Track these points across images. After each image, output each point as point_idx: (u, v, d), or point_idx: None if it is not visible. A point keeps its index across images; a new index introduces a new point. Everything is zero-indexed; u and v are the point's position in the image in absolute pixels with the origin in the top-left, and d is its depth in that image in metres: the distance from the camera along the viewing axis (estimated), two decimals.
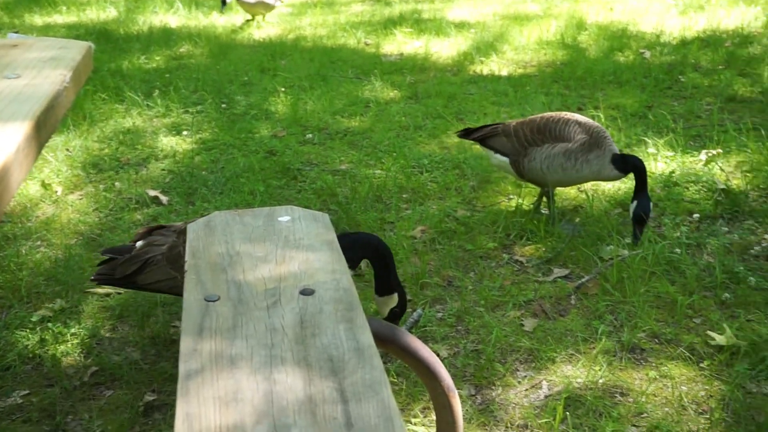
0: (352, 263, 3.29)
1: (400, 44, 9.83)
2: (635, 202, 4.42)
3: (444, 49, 9.52)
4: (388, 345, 2.37)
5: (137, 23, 10.95)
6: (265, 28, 10.82)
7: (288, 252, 2.43)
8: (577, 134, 4.55)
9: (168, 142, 6.38)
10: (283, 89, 7.71)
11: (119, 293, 4.19)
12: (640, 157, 4.64)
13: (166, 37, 10.11)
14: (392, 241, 4.56)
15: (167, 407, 3.36)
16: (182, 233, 3.44)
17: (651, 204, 4.40)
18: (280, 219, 2.67)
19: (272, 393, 1.76)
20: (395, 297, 3.34)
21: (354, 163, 5.93)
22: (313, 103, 7.35)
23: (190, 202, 5.33)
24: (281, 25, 11.09)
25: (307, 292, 2.18)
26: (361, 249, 3.29)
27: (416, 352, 2.35)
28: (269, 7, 10.64)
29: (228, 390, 1.77)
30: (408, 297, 3.68)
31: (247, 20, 10.99)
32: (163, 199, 5.32)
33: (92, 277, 3.56)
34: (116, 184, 5.61)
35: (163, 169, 5.88)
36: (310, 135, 6.56)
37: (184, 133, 6.58)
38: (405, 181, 5.53)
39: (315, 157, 6.07)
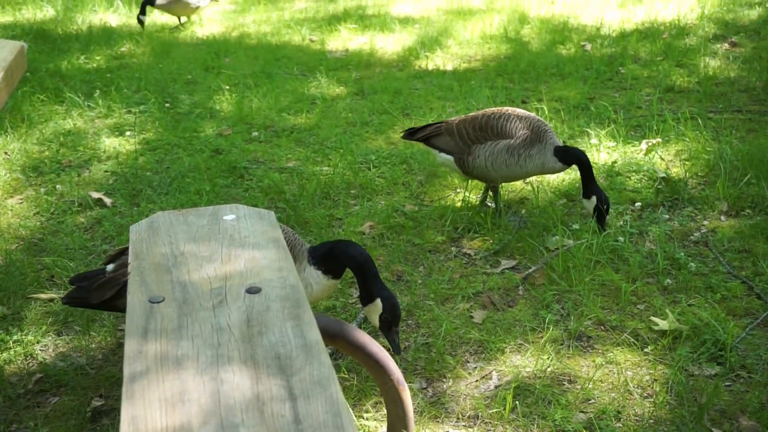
0: (335, 273, 3.21)
1: (345, 40, 9.81)
2: (593, 198, 4.50)
3: (389, 44, 9.53)
4: (337, 341, 2.37)
5: (76, 22, 10.72)
6: (208, 26, 10.70)
7: (233, 251, 2.41)
8: (518, 130, 4.60)
9: (111, 143, 6.27)
10: (227, 87, 7.64)
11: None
12: (582, 149, 4.72)
13: (106, 36, 9.92)
14: (341, 237, 4.55)
15: (115, 412, 3.31)
16: None
17: (604, 194, 4.51)
18: (225, 218, 2.65)
19: (219, 392, 1.75)
20: (378, 303, 3.08)
21: (301, 161, 5.91)
22: (259, 100, 7.30)
23: (135, 203, 5.25)
24: (224, 22, 10.97)
25: (253, 291, 2.17)
26: (342, 258, 3.16)
27: (365, 347, 2.36)
28: (189, 7, 10.27)
29: (174, 391, 1.75)
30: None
31: (182, 22, 10.78)
32: (107, 201, 5.23)
33: (64, 301, 3.36)
34: (57, 187, 5.49)
35: (106, 171, 5.78)
36: (256, 133, 6.51)
37: (128, 133, 6.48)
38: (353, 178, 5.53)
39: (261, 155, 6.04)
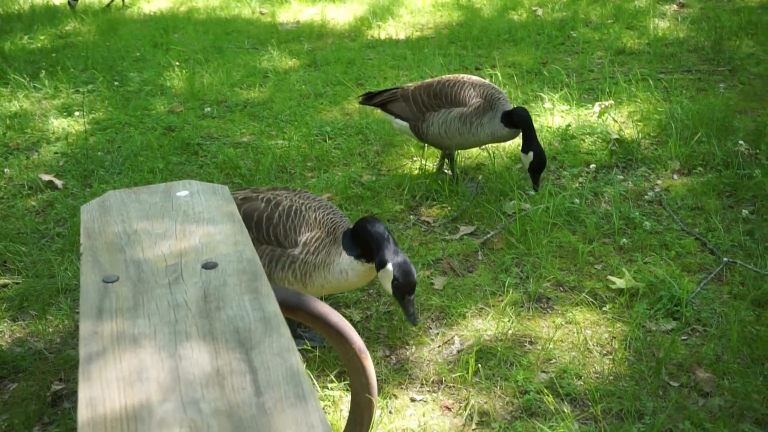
0: (370, 257, 3.14)
1: (296, 12, 9.70)
2: (530, 153, 4.48)
3: (341, 15, 9.44)
4: (297, 312, 2.36)
5: (17, 2, 10.42)
6: (155, 2, 10.48)
7: (188, 227, 2.38)
8: (472, 98, 4.60)
9: (59, 124, 6.14)
10: (177, 63, 7.50)
11: (17, 283, 4.03)
12: (536, 113, 4.73)
13: (50, 15, 9.67)
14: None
15: (76, 395, 3.26)
16: None
17: (542, 151, 4.48)
18: (178, 194, 2.60)
19: (178, 369, 1.73)
20: (389, 269, 3.02)
21: (256, 135, 5.84)
22: (210, 76, 7.19)
23: (87, 184, 5.15)
24: None
25: (209, 266, 2.14)
26: (362, 237, 3.13)
27: (325, 317, 2.35)
28: None
29: (132, 370, 1.73)
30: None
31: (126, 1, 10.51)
32: (58, 183, 5.13)
33: None
34: (6, 170, 5.36)
35: (56, 153, 5.66)
36: (209, 109, 6.42)
37: (76, 114, 6.34)
38: (308, 150, 5.49)
39: (215, 131, 5.96)
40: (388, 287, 3.08)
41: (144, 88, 6.94)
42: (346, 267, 3.19)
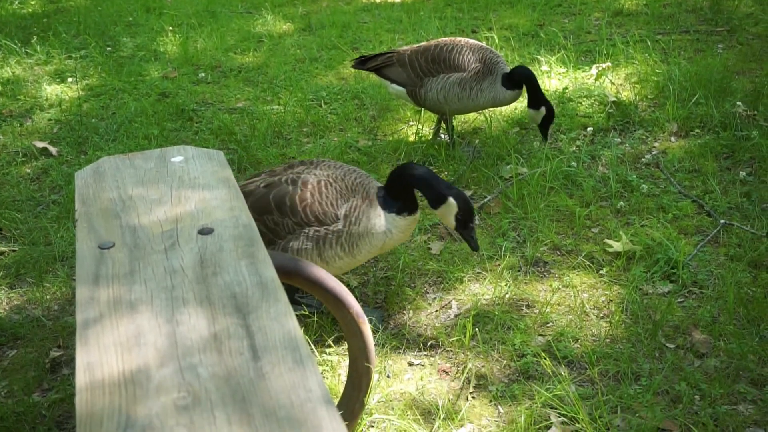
0: (410, 209, 3.18)
1: None
2: (542, 108, 4.54)
3: None
4: (293, 277, 2.35)
5: None
6: None
7: (183, 192, 2.36)
8: (471, 63, 4.56)
9: (52, 90, 6.08)
10: (171, 28, 7.42)
11: (14, 250, 4.03)
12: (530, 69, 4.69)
13: None
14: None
15: (75, 362, 3.28)
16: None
17: (550, 103, 4.57)
18: (172, 160, 2.59)
19: (176, 334, 1.72)
20: (451, 202, 3.12)
21: (251, 100, 5.80)
22: (204, 41, 7.12)
23: (82, 151, 5.12)
24: None
25: (205, 232, 2.13)
26: (398, 190, 3.16)
27: (322, 282, 2.35)
28: None
29: (129, 335, 1.73)
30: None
31: None
32: (53, 150, 5.10)
33: None
34: (0, 137, 5.33)
35: (50, 119, 5.61)
36: (203, 74, 6.36)
37: (69, 80, 6.28)
38: (304, 115, 5.45)
39: (210, 97, 5.91)
40: (451, 220, 3.18)
41: (137, 53, 6.88)
42: (390, 226, 3.20)
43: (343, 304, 2.40)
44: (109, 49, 7.05)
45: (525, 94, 4.64)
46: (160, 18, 7.88)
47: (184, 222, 2.19)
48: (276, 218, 3.15)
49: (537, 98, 4.53)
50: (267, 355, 1.66)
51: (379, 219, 3.18)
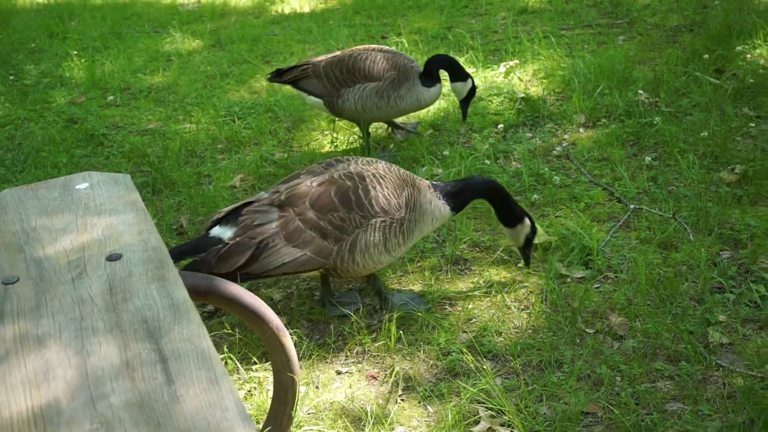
0: (459, 209, 3.38)
1: None
2: (468, 80, 4.72)
3: None
4: (209, 296, 2.33)
5: None
6: None
7: (90, 219, 2.32)
8: (386, 71, 4.61)
9: None
10: (76, 52, 7.26)
11: None
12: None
13: None
14: (211, 194, 4.47)
15: None
16: (287, 205, 3.17)
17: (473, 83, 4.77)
18: (77, 187, 2.54)
19: (86, 365, 1.69)
20: (527, 222, 3.40)
21: (162, 121, 5.72)
22: (111, 63, 6.99)
23: None
24: None
25: (113, 258, 2.10)
26: (471, 192, 3.36)
27: (238, 298, 2.33)
28: None
29: (38, 371, 1.68)
30: None
31: None
32: None
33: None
34: None
35: None
36: (112, 97, 6.24)
37: None
38: (218, 132, 5.41)
39: (120, 120, 5.80)
40: (522, 239, 3.45)
41: (42, 80, 6.70)
42: (438, 215, 3.35)
43: (262, 319, 2.39)
44: (12, 77, 6.84)
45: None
46: (64, 42, 7.70)
47: (91, 250, 2.15)
48: (342, 214, 3.14)
49: (462, 72, 4.70)
50: (181, 377, 1.64)
51: (430, 205, 3.32)
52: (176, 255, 3.13)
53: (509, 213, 3.41)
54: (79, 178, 2.60)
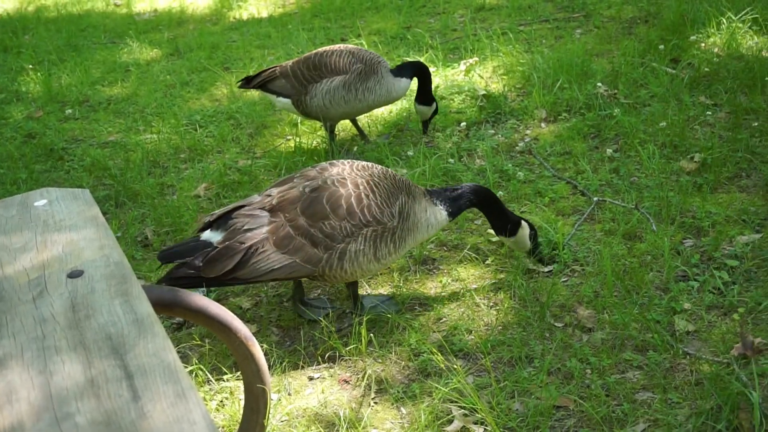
0: (455, 215, 3.38)
1: (153, 0, 9.39)
2: (434, 103, 4.82)
3: None
4: (174, 309, 2.31)
5: None
6: (0, 3, 9.92)
7: (49, 236, 2.28)
8: (352, 64, 4.64)
9: None
10: (31, 66, 7.15)
11: None
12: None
13: None
14: (176, 205, 4.42)
15: None
16: (278, 210, 3.12)
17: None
18: (36, 204, 2.50)
19: (50, 385, 1.66)
20: (526, 225, 3.46)
21: (123, 132, 5.65)
22: (68, 76, 6.89)
23: None
24: None
25: (75, 275, 2.07)
26: (468, 199, 3.36)
27: (204, 309, 2.31)
28: None
29: (0, 394, 1.65)
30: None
31: None
32: None
33: (167, 282, 3.01)
34: None
35: None
36: (71, 110, 6.16)
37: None
38: (180, 141, 5.36)
39: (80, 133, 5.73)
40: (527, 242, 3.51)
41: None
42: (434, 222, 3.34)
43: (229, 329, 2.37)
44: None
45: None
46: (18, 57, 7.59)
47: (51, 267, 2.12)
48: (333, 222, 3.11)
49: (427, 93, 4.76)
50: (147, 392, 1.62)
51: (425, 213, 3.31)
52: (166, 257, 3.13)
53: (505, 221, 3.43)
54: (37, 195, 2.55)
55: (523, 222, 3.46)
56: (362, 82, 4.61)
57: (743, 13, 5.66)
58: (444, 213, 3.35)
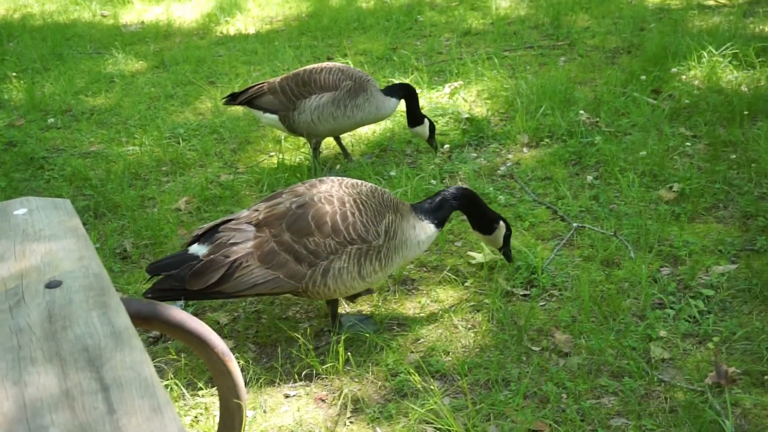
0: (442, 224, 3.39)
1: (140, 12, 9.39)
2: (426, 121, 4.85)
3: (187, 12, 9.23)
4: (152, 322, 2.29)
5: None
6: None
7: (28, 246, 2.27)
8: (342, 81, 4.67)
9: None
10: (14, 74, 7.11)
11: None
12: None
13: None
14: (156, 217, 4.41)
15: None
16: (264, 225, 3.11)
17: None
18: (15, 213, 2.48)
19: (24, 397, 1.65)
20: (501, 225, 3.53)
21: (105, 143, 5.63)
22: (52, 85, 6.86)
23: None
24: (3, 4, 10.17)
25: (53, 285, 2.05)
26: (449, 205, 3.38)
27: (182, 324, 2.30)
28: None
29: None
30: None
31: None
32: None
33: (151, 295, 3.00)
34: None
35: None
36: (53, 119, 6.13)
37: None
38: (162, 154, 5.34)
39: (61, 142, 5.70)
40: (500, 240, 3.58)
41: None
42: (423, 238, 3.35)
43: (207, 344, 2.36)
44: None
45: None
46: (2, 64, 7.54)
47: (29, 277, 2.10)
48: (317, 239, 3.10)
49: (416, 114, 4.80)
50: (123, 406, 1.61)
51: (414, 230, 3.32)
52: (155, 270, 3.14)
53: (485, 220, 3.51)
54: (17, 204, 2.54)
55: (501, 222, 3.53)
56: (351, 98, 4.64)
57: (723, 48, 5.76)
58: (431, 226, 3.37)
